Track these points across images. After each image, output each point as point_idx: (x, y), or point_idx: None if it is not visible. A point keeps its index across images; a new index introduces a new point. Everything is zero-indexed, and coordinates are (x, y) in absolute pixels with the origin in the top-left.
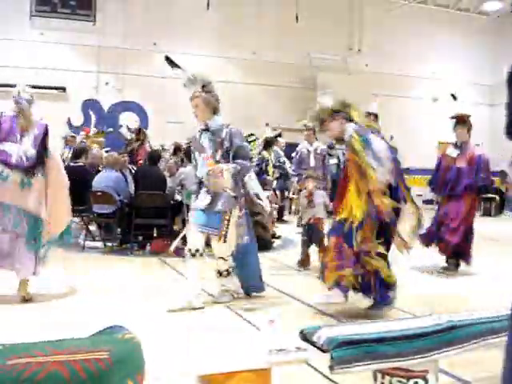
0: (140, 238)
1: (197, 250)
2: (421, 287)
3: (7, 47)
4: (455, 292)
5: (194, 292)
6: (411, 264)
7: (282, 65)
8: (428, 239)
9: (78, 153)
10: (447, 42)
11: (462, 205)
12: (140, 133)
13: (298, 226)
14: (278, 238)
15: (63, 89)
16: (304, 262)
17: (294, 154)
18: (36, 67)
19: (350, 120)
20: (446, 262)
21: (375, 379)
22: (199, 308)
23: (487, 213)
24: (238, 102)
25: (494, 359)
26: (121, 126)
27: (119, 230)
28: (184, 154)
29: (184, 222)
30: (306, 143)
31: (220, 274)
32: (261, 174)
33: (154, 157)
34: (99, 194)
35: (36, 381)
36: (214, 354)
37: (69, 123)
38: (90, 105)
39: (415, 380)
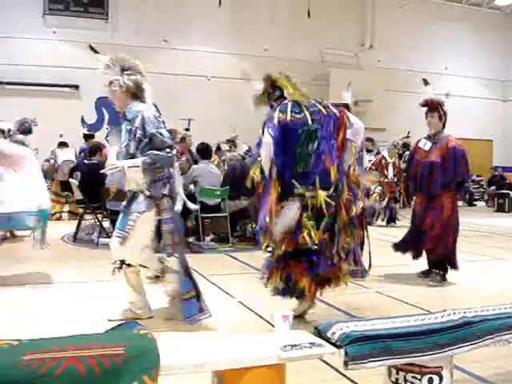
0: None
1: (122, 262)
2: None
3: (20, 45)
4: (469, 289)
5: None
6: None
7: (294, 61)
8: (404, 247)
9: (93, 150)
10: (459, 38)
11: (440, 207)
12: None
13: None
14: None
15: (76, 86)
16: None
17: None
18: (49, 65)
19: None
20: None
21: (389, 375)
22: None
23: (502, 209)
24: (249, 98)
25: (508, 355)
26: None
27: None
28: (197, 150)
29: (197, 219)
30: None
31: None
32: None
33: None
34: (112, 191)
35: (52, 376)
36: (227, 349)
37: (82, 121)
38: (102, 102)
39: (429, 376)
